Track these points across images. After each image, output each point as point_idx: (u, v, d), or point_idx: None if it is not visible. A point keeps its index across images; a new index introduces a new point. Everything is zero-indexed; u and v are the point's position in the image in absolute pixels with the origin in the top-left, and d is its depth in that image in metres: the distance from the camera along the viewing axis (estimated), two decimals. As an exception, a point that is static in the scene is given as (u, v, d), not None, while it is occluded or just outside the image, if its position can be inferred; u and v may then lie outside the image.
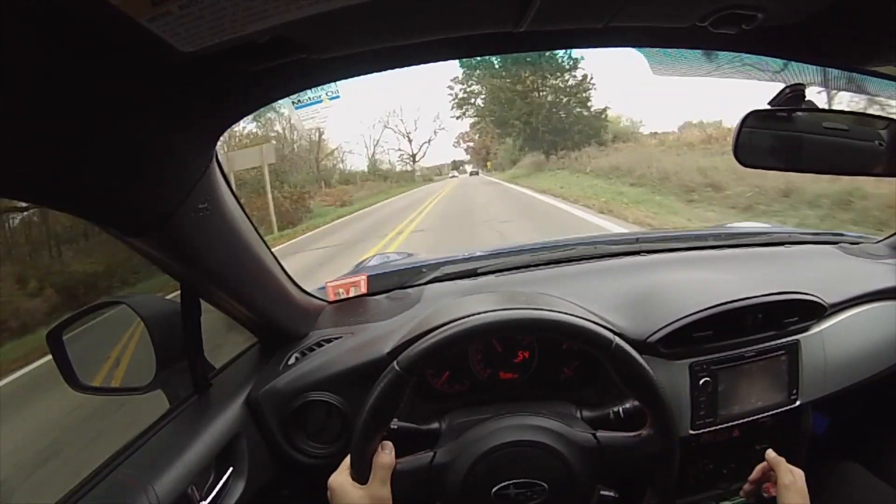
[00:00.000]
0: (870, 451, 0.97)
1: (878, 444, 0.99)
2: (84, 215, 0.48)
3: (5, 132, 0.32)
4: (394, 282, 0.97)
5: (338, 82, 0.49)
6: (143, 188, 0.47)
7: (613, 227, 5.63)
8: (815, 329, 0.84)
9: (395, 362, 0.60)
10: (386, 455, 0.61)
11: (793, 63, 0.70)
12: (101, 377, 0.86)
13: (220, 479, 0.67)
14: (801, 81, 0.74)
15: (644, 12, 0.45)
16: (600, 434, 0.64)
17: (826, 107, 0.77)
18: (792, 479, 0.65)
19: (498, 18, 0.40)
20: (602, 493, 0.64)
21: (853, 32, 0.57)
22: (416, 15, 0.38)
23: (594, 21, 0.43)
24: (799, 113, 0.74)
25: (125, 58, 0.35)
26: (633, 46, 0.52)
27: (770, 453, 0.70)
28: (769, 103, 0.74)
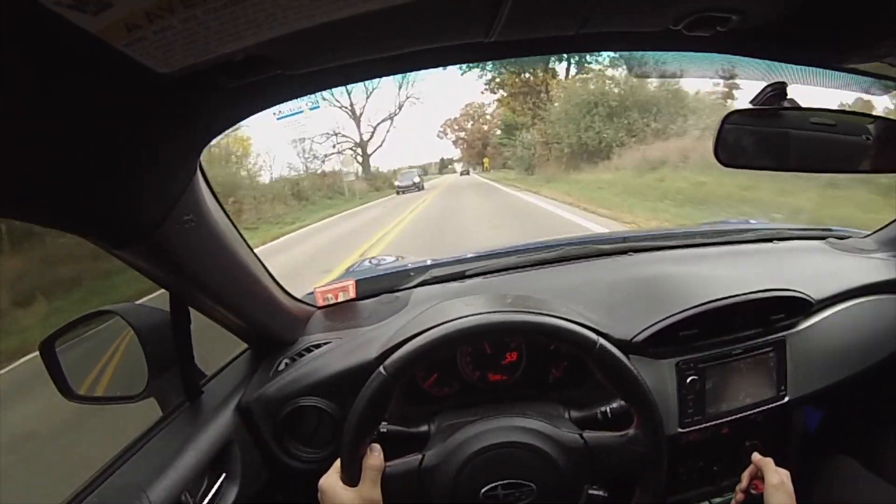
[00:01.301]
0: (862, 445, 0.98)
1: (870, 438, 0.99)
2: (69, 229, 0.48)
3: None
4: (382, 286, 0.97)
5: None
6: (128, 202, 0.48)
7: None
8: (803, 325, 0.84)
9: (381, 367, 0.60)
10: (375, 457, 0.62)
11: (772, 62, 0.70)
12: (85, 386, 0.87)
13: (213, 485, 0.68)
14: (781, 80, 0.75)
15: (615, 18, 0.46)
16: (587, 434, 0.65)
17: (810, 105, 0.77)
18: (779, 480, 0.66)
19: (468, 29, 0.40)
20: (591, 492, 0.65)
21: (828, 31, 0.57)
22: (387, 29, 0.39)
23: (565, 28, 0.44)
24: (784, 111, 0.74)
25: (105, 79, 0.36)
26: (607, 51, 0.53)
27: (756, 455, 0.70)
28: (751, 102, 0.74)
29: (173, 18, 0.31)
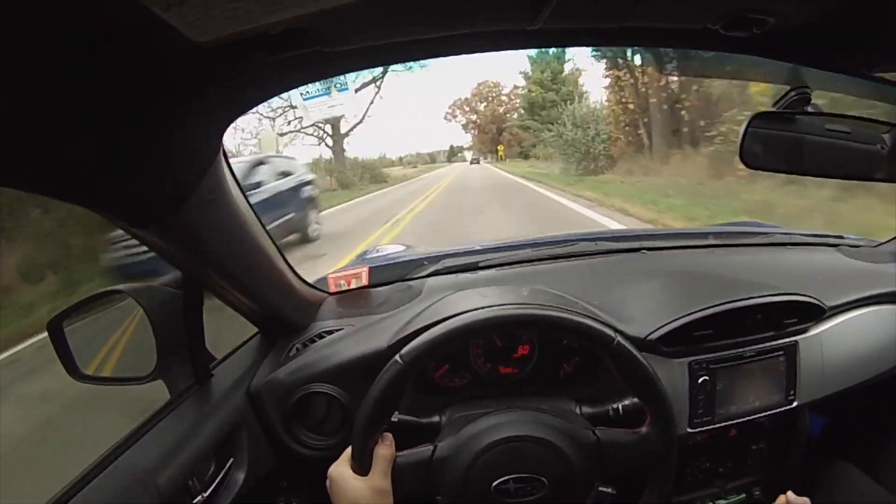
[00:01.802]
0: (864, 453, 0.98)
1: (872, 446, 1.00)
2: (91, 206, 0.47)
3: (15, 121, 0.32)
4: (395, 274, 0.96)
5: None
6: (153, 178, 0.47)
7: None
8: (814, 331, 0.85)
9: (398, 355, 0.60)
10: (387, 447, 0.61)
11: (800, 66, 0.70)
12: (94, 366, 0.86)
13: (221, 470, 0.67)
14: (806, 84, 0.75)
15: (657, 14, 0.45)
16: (600, 431, 0.65)
17: (829, 110, 0.78)
18: None
19: (514, 15, 0.40)
20: (600, 489, 0.65)
21: (861, 38, 0.58)
22: (431, 10, 0.38)
23: (608, 21, 0.44)
24: (802, 116, 0.75)
25: (138, 46, 0.35)
26: (646, 46, 0.53)
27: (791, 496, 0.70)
28: (774, 105, 0.75)
29: None
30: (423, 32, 0.40)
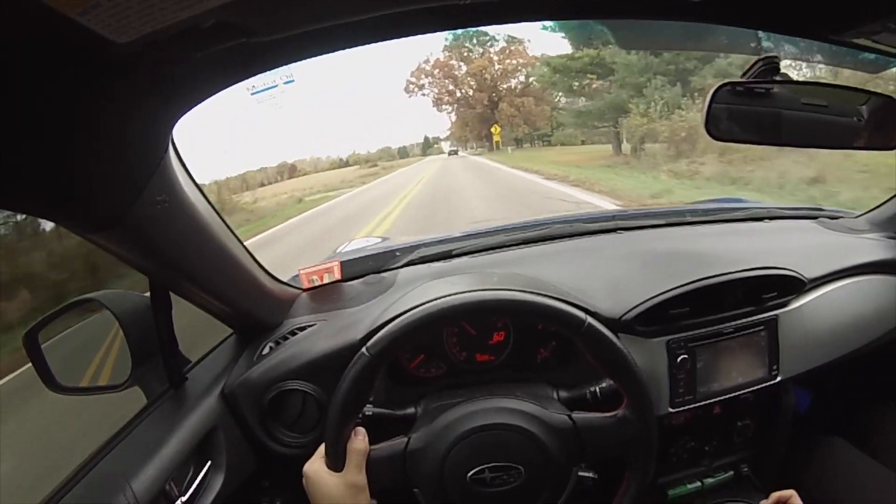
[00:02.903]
0: (853, 426, 0.98)
1: (860, 419, 1.00)
2: (38, 213, 0.47)
3: None
4: (368, 266, 0.96)
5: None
6: (96, 184, 0.46)
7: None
8: (795, 304, 0.84)
9: (364, 348, 0.60)
10: (360, 441, 0.61)
11: (765, 35, 0.69)
12: (88, 377, 0.86)
13: (199, 473, 0.67)
14: (775, 54, 0.73)
15: None
16: (576, 415, 0.64)
17: (802, 79, 0.76)
18: None
19: None
20: (580, 474, 0.64)
21: (827, 3, 0.56)
22: None
23: None
24: (775, 88, 0.73)
25: (64, 53, 0.34)
26: (589, 18, 0.51)
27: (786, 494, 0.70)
28: (742, 76, 0.73)
29: None
30: (351, 15, 0.39)
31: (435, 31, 0.43)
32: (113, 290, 0.76)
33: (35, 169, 0.40)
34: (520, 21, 0.44)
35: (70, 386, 0.76)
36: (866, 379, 0.99)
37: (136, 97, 0.43)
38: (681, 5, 0.51)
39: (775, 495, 0.71)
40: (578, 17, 0.52)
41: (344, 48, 0.44)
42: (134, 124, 0.45)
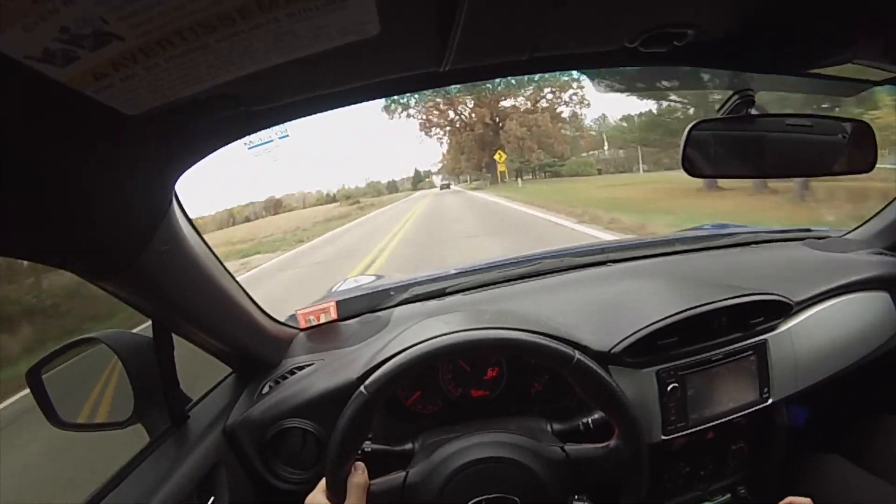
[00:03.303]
0: (849, 442, 0.98)
1: (856, 434, 1.00)
2: (48, 262, 0.50)
3: None
4: (363, 306, 0.98)
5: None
6: (104, 236, 0.49)
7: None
8: (784, 327, 0.85)
9: (362, 386, 0.61)
10: (360, 475, 0.62)
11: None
12: (86, 413, 0.87)
13: None
14: (749, 87, 0.76)
15: (568, 40, 0.47)
16: (569, 447, 0.66)
17: (777, 112, 0.78)
18: None
19: (422, 61, 0.42)
20: (575, 501, 0.65)
21: (787, 39, 0.58)
22: (345, 64, 0.40)
23: (518, 53, 0.45)
24: (750, 120, 0.75)
25: (75, 122, 0.37)
26: (563, 70, 0.54)
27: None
28: (718, 111, 0.76)
29: (137, 66, 0.33)
30: (338, 85, 0.42)
31: (415, 92, 0.47)
32: (114, 329, 0.78)
33: (47, 223, 0.43)
34: (494, 78, 0.47)
35: (73, 422, 0.78)
36: (862, 394, 1.00)
37: (141, 158, 0.46)
38: (653, 55, 0.54)
39: (789, 499, 0.71)
40: (542, 72, 0.54)
41: (333, 109, 0.47)
42: (139, 182, 0.48)
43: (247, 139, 0.50)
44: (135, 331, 0.77)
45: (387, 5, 0.31)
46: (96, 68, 0.32)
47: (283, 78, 0.40)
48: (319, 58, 0.37)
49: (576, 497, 0.65)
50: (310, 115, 0.46)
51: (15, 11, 0.25)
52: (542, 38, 0.44)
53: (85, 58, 0.31)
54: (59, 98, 0.33)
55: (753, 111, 0.74)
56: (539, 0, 0.38)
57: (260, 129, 0.47)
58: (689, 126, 0.71)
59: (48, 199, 0.41)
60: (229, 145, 0.48)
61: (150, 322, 0.68)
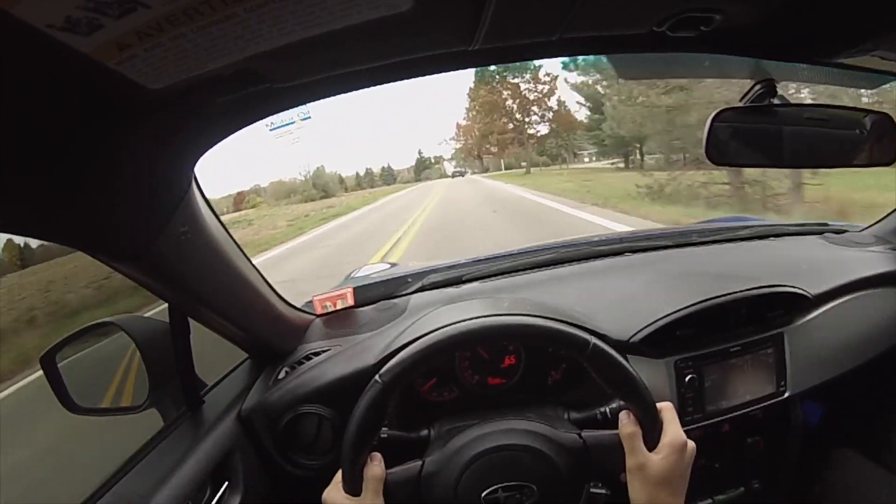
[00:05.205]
0: (865, 437, 0.98)
1: (872, 430, 0.99)
2: (66, 243, 0.49)
3: None
4: (380, 292, 0.97)
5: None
6: (123, 217, 0.49)
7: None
8: (801, 320, 0.85)
9: (377, 375, 0.61)
10: (376, 466, 0.62)
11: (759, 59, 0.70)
12: (109, 396, 0.88)
13: (216, 494, 0.68)
14: (770, 76, 0.75)
15: (596, 22, 0.46)
16: (585, 434, 0.65)
17: (802, 101, 0.77)
18: None
19: (451, 39, 0.41)
20: (592, 490, 0.65)
21: (812, 28, 0.57)
22: (370, 42, 0.39)
23: (547, 34, 0.45)
24: (771, 109, 0.74)
25: (99, 96, 0.37)
26: (592, 54, 0.53)
27: None
28: (741, 100, 0.75)
29: (163, 37, 0.32)
30: (365, 62, 0.41)
31: (443, 73, 0.46)
32: (130, 314, 0.78)
33: (66, 203, 0.42)
34: (522, 59, 0.47)
35: (87, 407, 0.78)
36: (878, 390, 0.99)
37: (161, 138, 0.45)
38: (679, 39, 0.53)
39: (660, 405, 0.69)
40: (570, 55, 0.54)
41: (359, 88, 0.46)
42: (159, 163, 0.48)
43: (268, 120, 0.49)
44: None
45: None
46: (121, 38, 0.31)
47: (309, 54, 0.39)
48: (347, 34, 0.37)
49: (592, 485, 0.65)
50: (335, 94, 0.45)
51: None
52: (572, 17, 0.44)
53: (109, 26, 0.30)
54: (82, 71, 0.32)
55: (775, 100, 0.74)
56: None
57: (284, 109, 0.46)
58: (712, 115, 0.71)
59: (68, 178, 0.40)
60: (252, 125, 0.47)
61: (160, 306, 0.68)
